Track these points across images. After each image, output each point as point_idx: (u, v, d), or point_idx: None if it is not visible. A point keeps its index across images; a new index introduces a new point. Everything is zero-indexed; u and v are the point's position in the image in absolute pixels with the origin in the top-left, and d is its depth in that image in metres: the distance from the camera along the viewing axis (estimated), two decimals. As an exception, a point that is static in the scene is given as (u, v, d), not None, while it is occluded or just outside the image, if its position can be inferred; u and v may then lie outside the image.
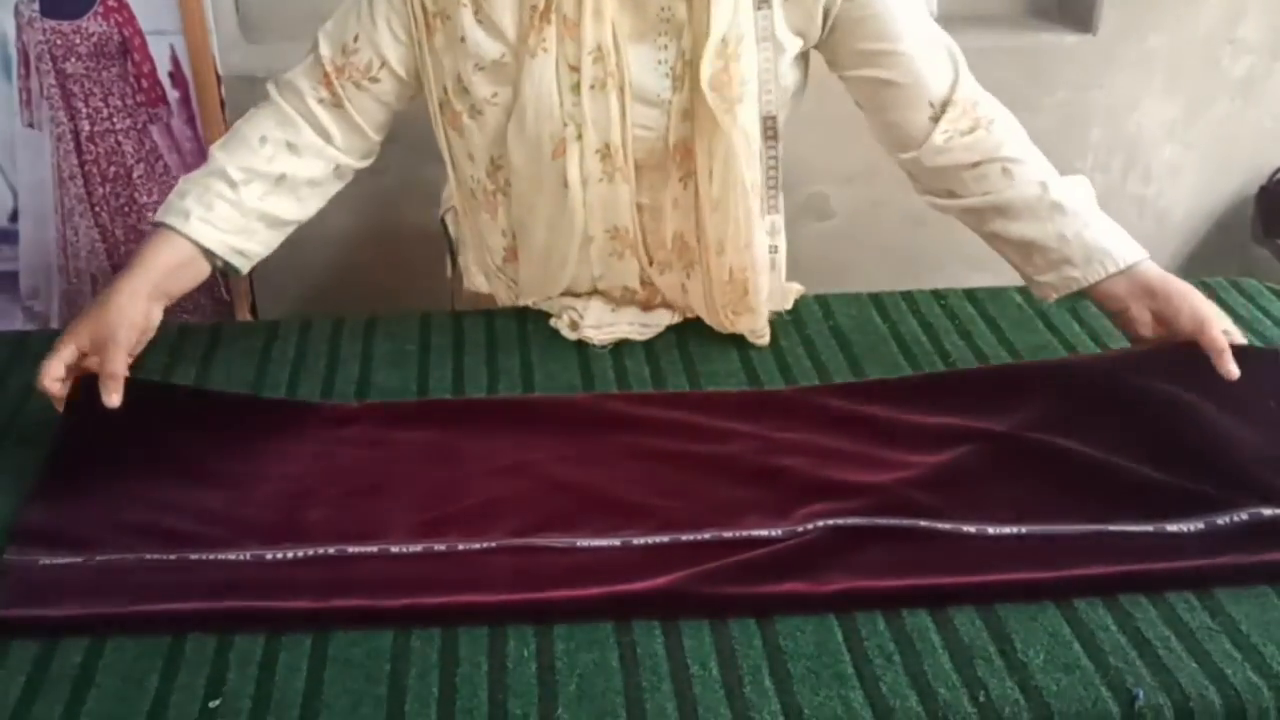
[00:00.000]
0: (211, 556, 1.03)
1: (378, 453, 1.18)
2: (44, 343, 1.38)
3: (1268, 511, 1.06)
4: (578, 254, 1.34)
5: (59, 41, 1.85)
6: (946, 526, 1.05)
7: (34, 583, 1.01)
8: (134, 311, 1.19)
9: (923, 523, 1.05)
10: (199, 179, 1.26)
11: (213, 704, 0.90)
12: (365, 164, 1.35)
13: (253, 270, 2.06)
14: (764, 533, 1.05)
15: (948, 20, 2.20)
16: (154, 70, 1.89)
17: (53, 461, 1.14)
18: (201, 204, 1.24)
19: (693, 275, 1.34)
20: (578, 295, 1.41)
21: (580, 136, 1.25)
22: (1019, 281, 1.39)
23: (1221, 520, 1.05)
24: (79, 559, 1.03)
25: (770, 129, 1.30)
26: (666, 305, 1.40)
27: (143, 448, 1.15)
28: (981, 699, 0.90)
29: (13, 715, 0.90)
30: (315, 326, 1.42)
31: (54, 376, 1.15)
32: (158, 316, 1.22)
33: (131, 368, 1.34)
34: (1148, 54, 2.21)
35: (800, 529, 1.04)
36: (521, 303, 1.44)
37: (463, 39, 1.24)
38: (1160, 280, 1.23)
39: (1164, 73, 2.23)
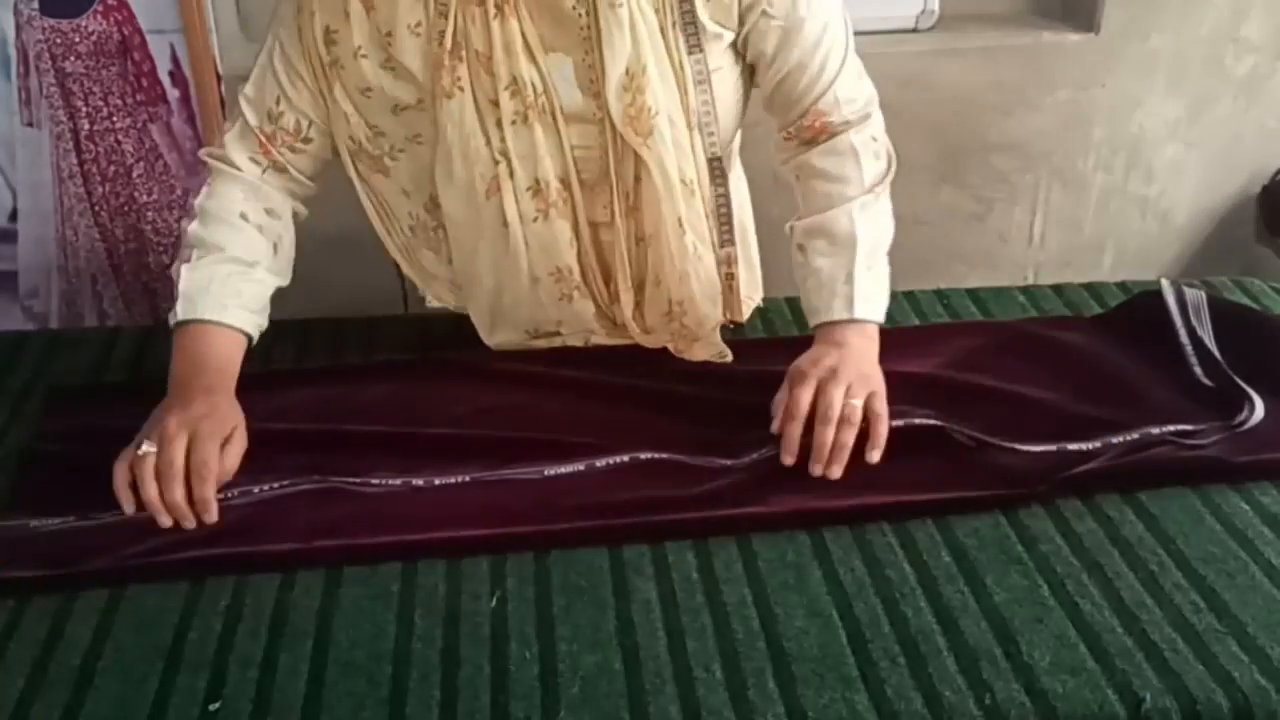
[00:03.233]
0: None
1: (345, 405, 1.24)
2: (43, 342, 1.39)
3: (1156, 430, 1.17)
4: (528, 295, 1.29)
5: (58, 40, 1.84)
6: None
7: (18, 544, 1.05)
8: (238, 416, 1.15)
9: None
10: (209, 267, 1.20)
11: (213, 706, 0.90)
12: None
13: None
14: (716, 460, 1.14)
15: (951, 19, 2.21)
16: (154, 69, 1.88)
17: (36, 441, 1.21)
18: (228, 290, 1.20)
19: (642, 301, 1.31)
20: (549, 335, 1.36)
21: (512, 174, 1.21)
22: (1021, 282, 1.39)
23: (1116, 439, 1.16)
24: (70, 518, 1.08)
25: (717, 170, 1.25)
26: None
27: (119, 423, 1.20)
28: (987, 701, 0.90)
29: (11, 718, 0.89)
30: (316, 328, 1.42)
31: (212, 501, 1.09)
32: None
33: (130, 368, 1.34)
34: (1151, 53, 2.20)
35: (751, 457, 1.14)
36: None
37: (368, 90, 1.20)
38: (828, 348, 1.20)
39: (1167, 72, 2.22)
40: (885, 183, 1.26)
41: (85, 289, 1.99)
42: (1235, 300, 1.43)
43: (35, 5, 1.82)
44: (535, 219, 1.23)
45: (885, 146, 1.28)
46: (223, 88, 1.92)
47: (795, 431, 1.14)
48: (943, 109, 2.18)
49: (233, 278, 1.21)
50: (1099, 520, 1.09)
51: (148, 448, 1.08)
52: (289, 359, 1.36)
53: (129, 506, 1.08)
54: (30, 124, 1.88)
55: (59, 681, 0.92)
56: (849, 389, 1.14)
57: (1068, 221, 2.34)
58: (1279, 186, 2.35)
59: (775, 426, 1.16)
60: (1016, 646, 0.95)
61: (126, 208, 1.94)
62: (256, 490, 1.10)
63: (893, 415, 1.15)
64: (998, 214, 2.31)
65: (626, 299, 1.29)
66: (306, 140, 1.24)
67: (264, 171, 1.25)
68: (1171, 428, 1.18)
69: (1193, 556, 1.04)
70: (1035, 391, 1.25)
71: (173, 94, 1.90)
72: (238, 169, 1.24)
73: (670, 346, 1.33)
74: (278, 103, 1.23)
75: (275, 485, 1.10)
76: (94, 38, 1.84)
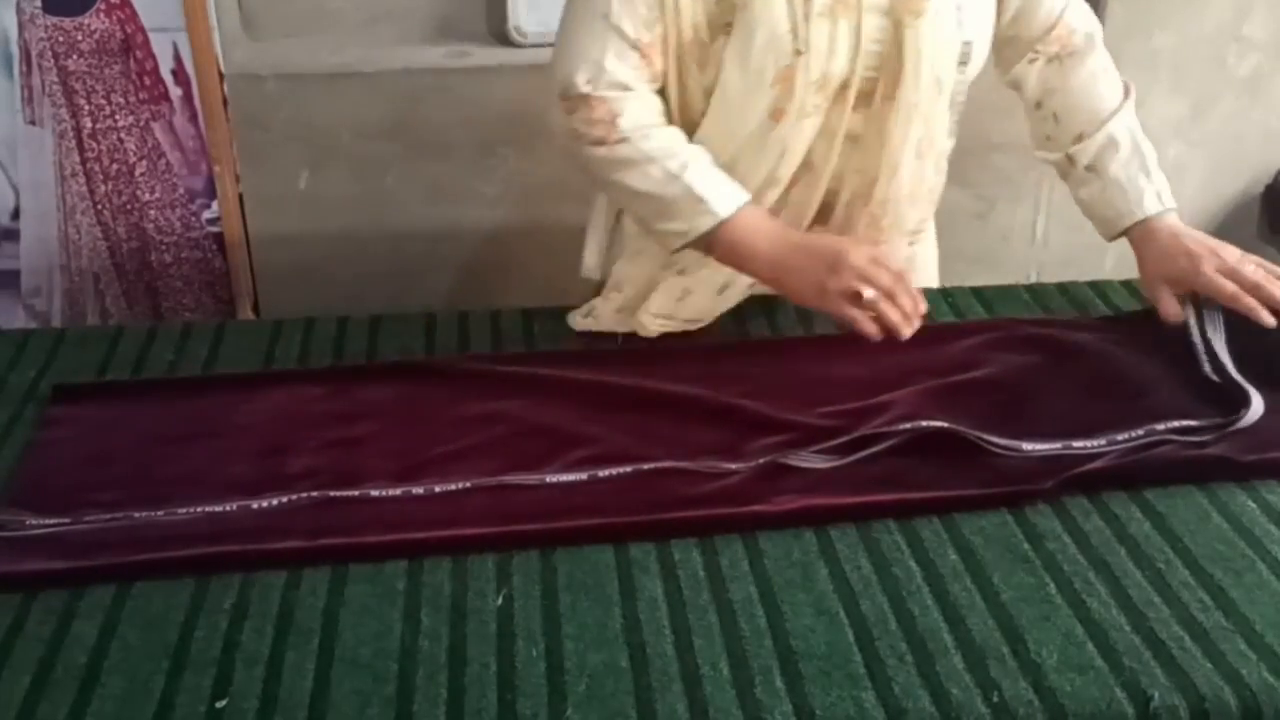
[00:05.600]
0: (198, 509, 1.08)
1: (348, 408, 1.24)
2: (46, 341, 1.39)
3: (1160, 426, 1.17)
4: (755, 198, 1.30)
5: (61, 38, 1.84)
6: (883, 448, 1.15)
7: (22, 541, 1.05)
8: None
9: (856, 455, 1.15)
10: (700, 160, 1.26)
11: (219, 704, 0.89)
12: None
13: (255, 269, 2.08)
14: (721, 465, 1.13)
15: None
16: (156, 67, 1.88)
17: (38, 439, 1.20)
18: (725, 175, 1.27)
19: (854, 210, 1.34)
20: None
21: (806, 65, 1.23)
22: (1023, 281, 1.39)
23: (1121, 437, 1.16)
24: (67, 520, 1.07)
25: (965, 54, 1.31)
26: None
27: (123, 423, 1.22)
28: (995, 699, 0.90)
29: (17, 717, 0.89)
30: (319, 325, 1.42)
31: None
32: None
33: (133, 367, 1.34)
34: (1153, 52, 2.20)
35: (757, 463, 1.13)
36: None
37: None
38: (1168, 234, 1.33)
39: (1170, 71, 2.22)
40: (1131, 98, 1.38)
41: (88, 287, 1.99)
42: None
43: (38, 3, 1.82)
44: (809, 114, 1.26)
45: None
46: (225, 86, 1.92)
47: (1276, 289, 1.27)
48: (945, 108, 2.18)
49: (714, 164, 1.27)
50: (1106, 518, 1.09)
51: (869, 294, 1.20)
52: (292, 358, 1.36)
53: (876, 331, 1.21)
54: (33, 122, 1.89)
55: (65, 680, 0.92)
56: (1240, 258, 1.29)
57: (1070, 220, 2.32)
58: (1282, 185, 2.35)
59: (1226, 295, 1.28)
60: (1024, 644, 0.94)
61: (129, 206, 1.95)
62: (255, 506, 1.09)
63: (899, 419, 1.16)
64: (1000, 213, 2.31)
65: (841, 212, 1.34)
66: (670, 41, 1.26)
67: (643, 84, 1.28)
68: (1175, 423, 1.18)
69: (1200, 555, 1.04)
70: (1041, 388, 1.25)
71: (175, 92, 1.90)
72: (628, 88, 1.27)
73: None
74: (649, 9, 1.25)
75: (274, 502, 1.10)
76: (96, 36, 1.84)
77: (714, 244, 1.26)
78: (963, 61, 1.31)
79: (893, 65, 1.26)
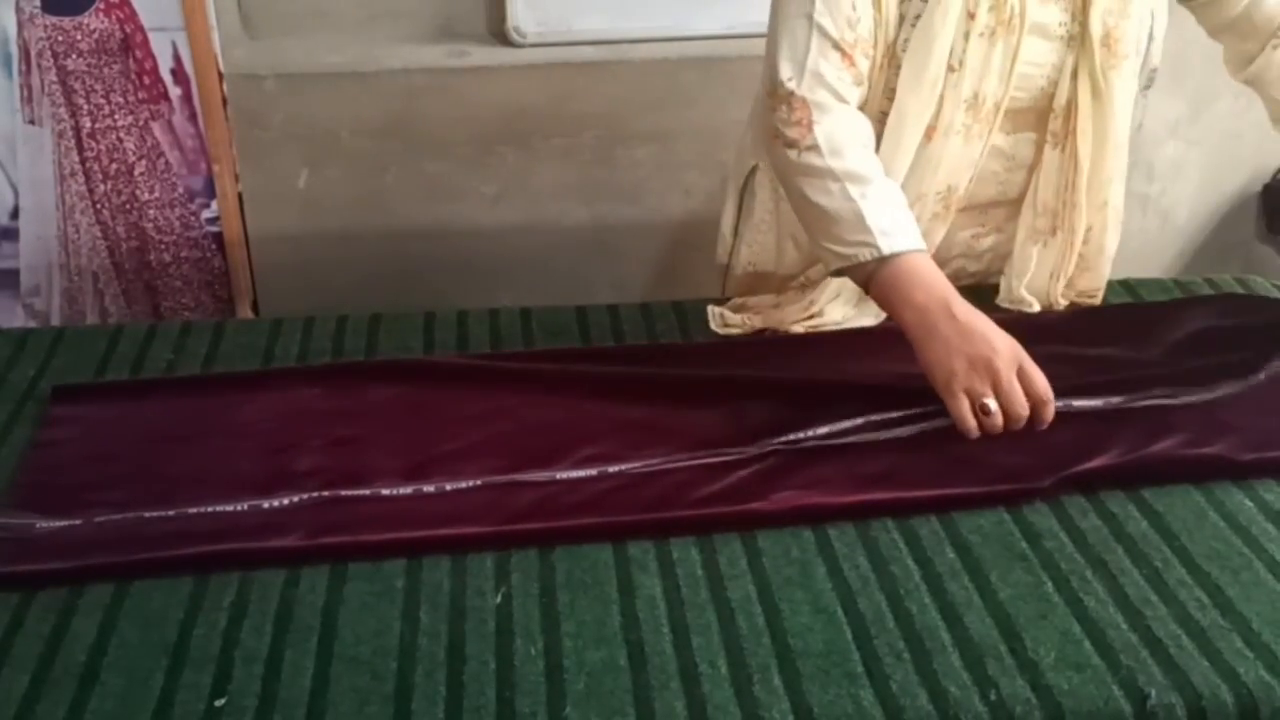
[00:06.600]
0: (207, 509, 1.08)
1: (352, 406, 1.24)
2: (45, 340, 1.39)
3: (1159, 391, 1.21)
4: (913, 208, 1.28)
5: (60, 38, 1.84)
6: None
7: (30, 543, 1.05)
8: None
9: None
10: (881, 196, 1.19)
11: (218, 702, 0.90)
12: None
13: (254, 268, 2.08)
14: (723, 459, 1.14)
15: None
16: (156, 67, 1.88)
17: (39, 439, 1.20)
18: (909, 216, 1.21)
19: (1040, 242, 1.37)
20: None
21: (958, 83, 1.25)
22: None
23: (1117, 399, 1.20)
24: (76, 522, 1.07)
25: (1150, 81, 1.36)
26: None
27: (125, 423, 1.22)
28: (992, 697, 0.90)
29: (16, 715, 0.89)
30: (319, 324, 1.42)
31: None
32: None
33: (133, 366, 1.35)
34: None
35: (755, 450, 1.14)
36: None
37: None
38: None
39: (1167, 70, 2.22)
40: None
41: (87, 287, 1.99)
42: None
43: (37, 3, 1.82)
44: (958, 132, 1.27)
45: None
46: (224, 85, 1.92)
47: None
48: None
49: (902, 205, 1.22)
50: (1103, 517, 1.09)
51: (993, 407, 1.10)
52: (292, 357, 1.36)
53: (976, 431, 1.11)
54: (32, 122, 1.89)
55: (64, 678, 0.92)
56: None
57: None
58: (1280, 185, 2.35)
59: None
60: (1021, 643, 0.95)
61: (128, 205, 1.95)
62: (265, 505, 1.09)
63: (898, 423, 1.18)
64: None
65: (1001, 234, 1.37)
66: (874, 45, 1.26)
67: (848, 89, 1.25)
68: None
69: (1197, 553, 1.04)
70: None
71: (174, 92, 1.90)
72: (835, 95, 1.23)
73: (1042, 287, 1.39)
74: (854, 8, 1.23)
75: (284, 501, 1.10)
76: (96, 35, 1.85)
77: (871, 280, 1.19)
78: (1146, 86, 1.36)
79: (1054, 93, 1.28)
